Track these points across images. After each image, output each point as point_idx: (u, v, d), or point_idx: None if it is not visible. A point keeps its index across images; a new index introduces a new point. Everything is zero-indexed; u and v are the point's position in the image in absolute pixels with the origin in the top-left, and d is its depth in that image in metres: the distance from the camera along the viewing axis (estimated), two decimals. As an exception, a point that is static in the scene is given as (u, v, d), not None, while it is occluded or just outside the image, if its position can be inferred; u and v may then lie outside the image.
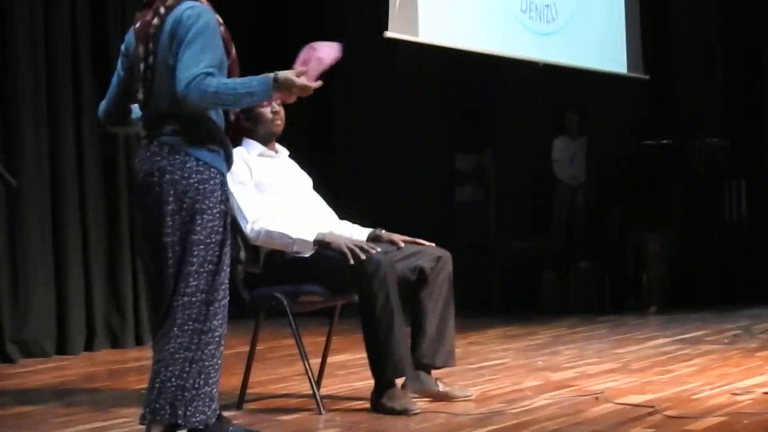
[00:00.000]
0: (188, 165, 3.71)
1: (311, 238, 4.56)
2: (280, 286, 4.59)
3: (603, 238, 9.48)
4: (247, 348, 4.80)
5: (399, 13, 7.45)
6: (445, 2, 7.97)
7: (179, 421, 3.69)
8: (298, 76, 3.70)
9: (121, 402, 5.00)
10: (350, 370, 5.68)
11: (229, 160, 3.85)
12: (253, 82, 3.66)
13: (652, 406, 4.45)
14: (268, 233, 4.56)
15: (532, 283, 9.48)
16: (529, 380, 5.30)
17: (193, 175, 3.71)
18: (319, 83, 3.78)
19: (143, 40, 3.76)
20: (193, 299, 3.70)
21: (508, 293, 9.56)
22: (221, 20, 3.79)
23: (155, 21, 3.75)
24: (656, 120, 9.92)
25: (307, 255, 4.57)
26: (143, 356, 6.39)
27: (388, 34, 7.40)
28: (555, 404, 4.63)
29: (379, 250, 4.51)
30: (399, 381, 4.56)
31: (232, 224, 3.97)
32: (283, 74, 3.68)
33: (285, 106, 4.67)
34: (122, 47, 3.92)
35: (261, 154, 4.78)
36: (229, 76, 3.75)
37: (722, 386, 4.97)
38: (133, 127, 4.00)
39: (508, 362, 6.04)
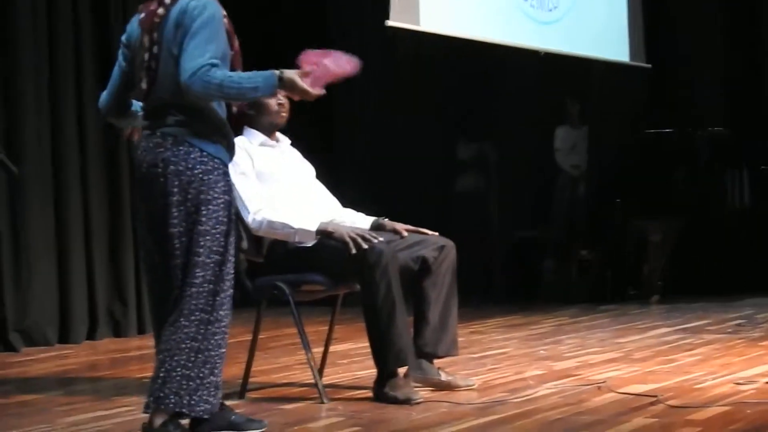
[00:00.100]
0: (192, 156, 3.71)
1: (313, 227, 4.55)
2: (283, 275, 4.59)
3: (604, 228, 9.45)
4: (249, 337, 4.79)
5: (400, 2, 7.45)
6: (446, -9, 7.97)
7: (184, 410, 3.70)
8: (301, 77, 3.69)
9: (124, 391, 5.01)
10: (352, 359, 5.68)
11: (231, 151, 3.85)
12: (258, 77, 3.65)
13: (655, 396, 4.44)
14: (270, 223, 4.55)
15: (533, 272, 9.48)
16: (532, 370, 5.29)
17: (198, 166, 3.71)
18: (322, 91, 3.74)
19: (148, 30, 3.75)
20: (201, 289, 3.70)
21: (510, 282, 9.55)
22: (225, 12, 3.78)
23: (160, 11, 3.74)
24: (658, 109, 9.91)
25: (309, 244, 4.57)
26: (145, 345, 6.39)
27: (389, 22, 7.39)
28: (557, 394, 4.62)
29: (381, 239, 4.49)
30: (401, 370, 4.56)
31: (236, 214, 3.96)
32: (288, 74, 3.67)
33: (290, 99, 4.65)
34: (123, 38, 3.90)
35: (262, 144, 4.76)
36: (232, 68, 3.74)
37: (725, 376, 4.96)
38: (133, 120, 3.99)
39: (510, 351, 6.03)
